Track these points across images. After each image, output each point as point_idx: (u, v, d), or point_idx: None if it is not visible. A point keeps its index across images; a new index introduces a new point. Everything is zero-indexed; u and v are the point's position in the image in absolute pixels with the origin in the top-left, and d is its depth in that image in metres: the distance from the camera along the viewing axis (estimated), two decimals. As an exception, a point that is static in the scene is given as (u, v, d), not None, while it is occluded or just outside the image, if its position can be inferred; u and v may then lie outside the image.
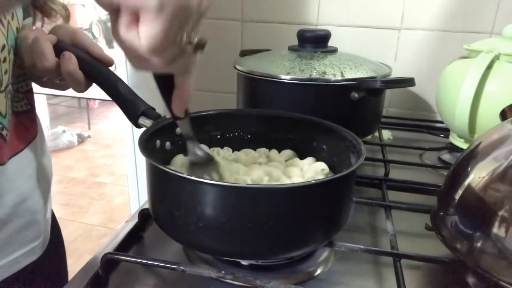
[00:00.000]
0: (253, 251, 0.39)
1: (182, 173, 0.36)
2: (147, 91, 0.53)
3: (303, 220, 0.37)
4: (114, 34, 0.29)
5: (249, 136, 0.55)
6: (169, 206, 0.40)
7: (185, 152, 0.50)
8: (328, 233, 0.41)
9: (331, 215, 0.40)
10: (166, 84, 0.37)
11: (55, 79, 0.44)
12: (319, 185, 0.37)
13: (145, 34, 0.28)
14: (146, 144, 0.42)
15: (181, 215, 0.38)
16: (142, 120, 0.45)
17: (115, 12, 0.28)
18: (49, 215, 0.52)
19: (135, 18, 0.28)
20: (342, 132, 0.47)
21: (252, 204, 0.36)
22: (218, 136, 0.54)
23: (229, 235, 0.37)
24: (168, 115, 0.42)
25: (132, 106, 0.46)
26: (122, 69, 1.04)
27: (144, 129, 0.45)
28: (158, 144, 0.47)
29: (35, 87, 0.49)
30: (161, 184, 0.41)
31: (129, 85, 0.46)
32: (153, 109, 0.47)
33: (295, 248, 0.39)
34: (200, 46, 0.32)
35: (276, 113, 0.54)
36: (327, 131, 0.50)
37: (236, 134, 0.54)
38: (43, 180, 0.49)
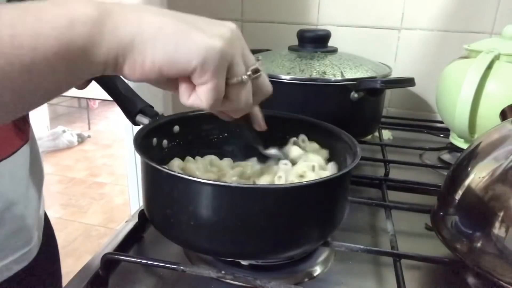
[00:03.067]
0: (245, 251, 0.38)
1: (174, 171, 0.36)
2: (146, 89, 0.53)
3: (295, 221, 0.37)
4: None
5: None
6: (162, 204, 0.40)
7: (182, 151, 0.50)
8: (322, 233, 0.40)
9: (324, 215, 0.40)
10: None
11: None
12: (311, 186, 0.37)
13: (202, 95, 0.32)
14: (143, 142, 0.42)
15: (173, 213, 0.38)
16: (139, 118, 0.45)
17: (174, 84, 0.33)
18: (41, 219, 0.51)
19: (191, 85, 0.32)
20: (339, 133, 0.47)
21: (243, 204, 0.36)
22: (216, 135, 0.54)
23: (220, 234, 0.37)
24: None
25: (130, 104, 0.46)
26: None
27: (141, 126, 0.45)
28: (155, 142, 0.47)
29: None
30: (154, 182, 0.41)
31: (136, 89, 0.47)
32: (151, 107, 0.47)
33: (287, 249, 0.39)
34: (255, 71, 0.35)
35: (273, 114, 0.54)
36: (324, 132, 0.49)
37: (234, 134, 0.54)
38: (34, 184, 0.48)
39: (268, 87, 0.38)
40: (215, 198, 0.36)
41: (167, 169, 0.37)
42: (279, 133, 0.53)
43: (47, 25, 0.26)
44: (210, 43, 0.30)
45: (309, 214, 0.38)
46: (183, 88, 0.33)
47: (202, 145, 0.52)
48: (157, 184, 0.40)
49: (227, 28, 0.32)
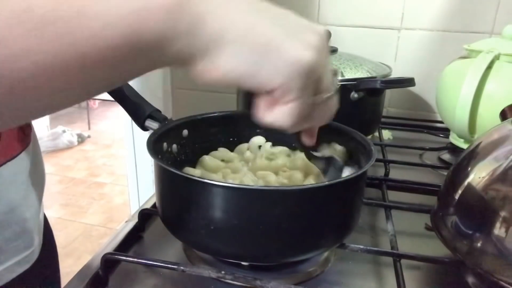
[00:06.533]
0: (265, 254, 0.38)
1: (193, 176, 0.36)
2: (153, 93, 0.53)
3: (316, 222, 0.37)
4: (255, 115, 0.31)
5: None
6: (179, 208, 0.39)
7: (192, 155, 0.50)
8: (340, 235, 0.41)
9: (343, 216, 0.40)
10: None
11: None
12: (332, 186, 0.37)
13: (284, 114, 0.29)
14: (154, 147, 0.42)
15: (191, 218, 0.38)
16: (148, 123, 0.45)
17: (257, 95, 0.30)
18: (41, 221, 0.51)
19: (273, 100, 0.29)
20: (351, 133, 0.47)
21: (264, 206, 0.35)
22: (223, 139, 0.53)
23: (240, 238, 0.37)
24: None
25: (138, 109, 0.45)
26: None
27: (150, 131, 0.45)
28: (165, 146, 0.47)
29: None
30: (171, 187, 0.40)
31: (135, 88, 0.46)
32: (159, 111, 0.47)
33: (308, 251, 0.39)
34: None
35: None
36: (335, 132, 0.49)
37: (242, 137, 0.54)
38: (36, 187, 0.47)
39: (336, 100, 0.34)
40: (234, 201, 0.36)
41: (186, 173, 0.37)
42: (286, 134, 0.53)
43: (115, 11, 0.22)
44: (300, 57, 0.26)
45: (329, 214, 0.38)
46: (260, 102, 0.29)
47: (211, 149, 0.52)
48: (174, 189, 0.40)
49: (318, 34, 0.28)
